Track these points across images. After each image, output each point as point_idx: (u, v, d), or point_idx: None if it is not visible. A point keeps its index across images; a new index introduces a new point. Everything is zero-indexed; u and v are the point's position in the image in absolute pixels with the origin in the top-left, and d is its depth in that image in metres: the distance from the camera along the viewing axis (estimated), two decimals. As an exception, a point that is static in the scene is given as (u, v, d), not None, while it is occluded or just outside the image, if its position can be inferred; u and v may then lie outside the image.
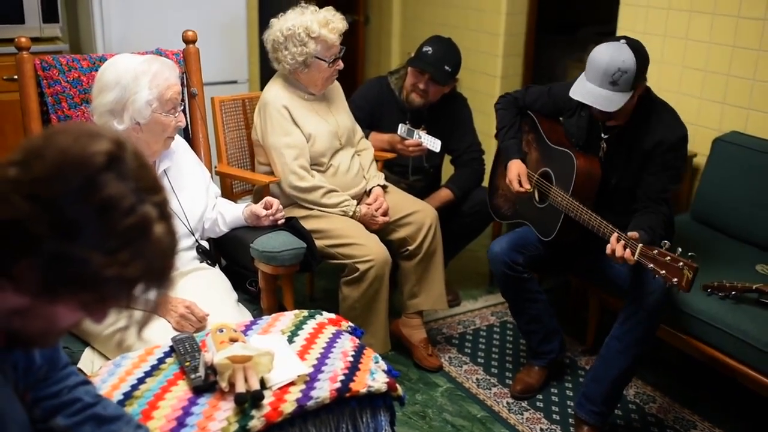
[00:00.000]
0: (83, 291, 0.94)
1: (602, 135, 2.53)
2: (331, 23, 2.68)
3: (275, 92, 2.75)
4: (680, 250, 2.07)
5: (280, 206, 2.36)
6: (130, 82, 2.03)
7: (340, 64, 2.76)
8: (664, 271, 2.08)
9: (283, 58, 2.70)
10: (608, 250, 2.22)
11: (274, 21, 2.74)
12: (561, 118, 2.75)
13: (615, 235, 2.22)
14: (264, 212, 2.31)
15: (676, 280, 2.05)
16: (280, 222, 2.34)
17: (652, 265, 2.12)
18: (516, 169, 2.72)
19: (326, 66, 2.71)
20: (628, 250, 2.17)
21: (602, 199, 2.53)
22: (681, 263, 2.05)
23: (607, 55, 2.29)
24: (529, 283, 2.66)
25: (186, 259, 2.22)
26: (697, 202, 3.11)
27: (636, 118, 2.45)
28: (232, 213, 2.35)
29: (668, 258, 2.08)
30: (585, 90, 2.35)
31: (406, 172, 3.31)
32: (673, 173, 2.44)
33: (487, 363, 2.98)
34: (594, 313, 3.01)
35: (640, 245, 2.15)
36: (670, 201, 2.46)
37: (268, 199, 2.36)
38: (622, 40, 2.33)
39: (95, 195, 0.92)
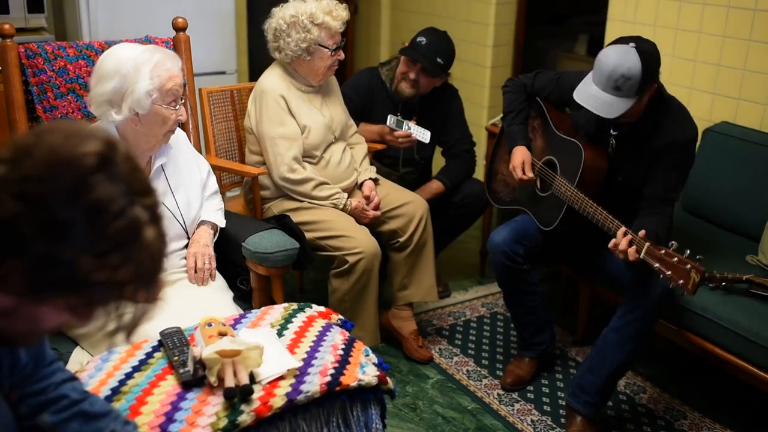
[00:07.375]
0: (70, 294, 0.92)
1: (612, 131, 2.47)
2: (334, 11, 2.69)
3: (273, 81, 2.73)
4: (688, 251, 2.03)
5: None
6: (131, 71, 1.96)
7: (342, 54, 2.76)
8: (670, 272, 2.05)
9: (285, 46, 2.69)
10: (611, 244, 2.19)
11: (275, 10, 2.73)
12: (567, 109, 2.70)
13: (622, 229, 2.18)
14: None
15: (682, 282, 2.02)
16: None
17: (658, 265, 2.08)
18: (521, 156, 2.67)
19: (329, 54, 2.70)
20: (633, 247, 2.14)
21: (604, 194, 2.47)
22: (689, 265, 2.01)
23: (613, 58, 2.20)
24: (528, 275, 2.63)
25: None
26: (687, 192, 3.11)
27: (648, 117, 2.38)
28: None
29: (675, 259, 2.04)
30: (588, 93, 2.27)
31: (397, 164, 3.29)
32: (681, 171, 2.40)
33: (477, 354, 2.98)
34: (585, 304, 3.01)
35: (647, 243, 2.11)
36: (675, 202, 2.42)
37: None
38: (632, 44, 2.22)
39: (85, 197, 0.89)
